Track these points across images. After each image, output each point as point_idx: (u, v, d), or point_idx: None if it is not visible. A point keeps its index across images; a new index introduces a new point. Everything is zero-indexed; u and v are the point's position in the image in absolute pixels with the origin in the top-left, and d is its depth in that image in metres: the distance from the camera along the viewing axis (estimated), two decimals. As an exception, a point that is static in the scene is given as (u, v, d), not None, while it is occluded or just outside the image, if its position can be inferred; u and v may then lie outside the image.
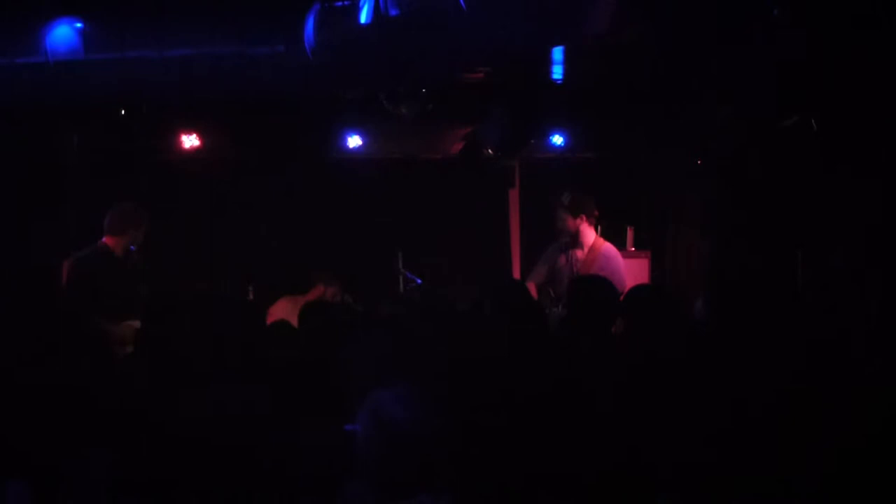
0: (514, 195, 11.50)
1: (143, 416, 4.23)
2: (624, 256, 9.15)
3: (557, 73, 9.13)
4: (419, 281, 10.09)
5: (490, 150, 10.61)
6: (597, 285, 6.68)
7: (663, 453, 3.71)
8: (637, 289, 6.59)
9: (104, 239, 8.36)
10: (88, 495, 4.03)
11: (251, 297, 10.02)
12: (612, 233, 9.65)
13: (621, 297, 6.44)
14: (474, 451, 3.90)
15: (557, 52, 8.56)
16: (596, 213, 8.84)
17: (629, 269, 9.13)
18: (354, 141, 10.64)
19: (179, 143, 10.31)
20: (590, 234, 8.78)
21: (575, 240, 8.73)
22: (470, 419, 4.15)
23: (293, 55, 7.63)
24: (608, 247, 8.81)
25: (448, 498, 3.49)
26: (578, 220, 8.71)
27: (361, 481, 3.74)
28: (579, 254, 8.72)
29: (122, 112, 9.45)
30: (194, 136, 10.26)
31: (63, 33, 7.73)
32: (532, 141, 10.68)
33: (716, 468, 3.92)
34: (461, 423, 4.05)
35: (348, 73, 8.14)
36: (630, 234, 10.51)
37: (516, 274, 11.11)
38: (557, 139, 10.72)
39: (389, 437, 3.65)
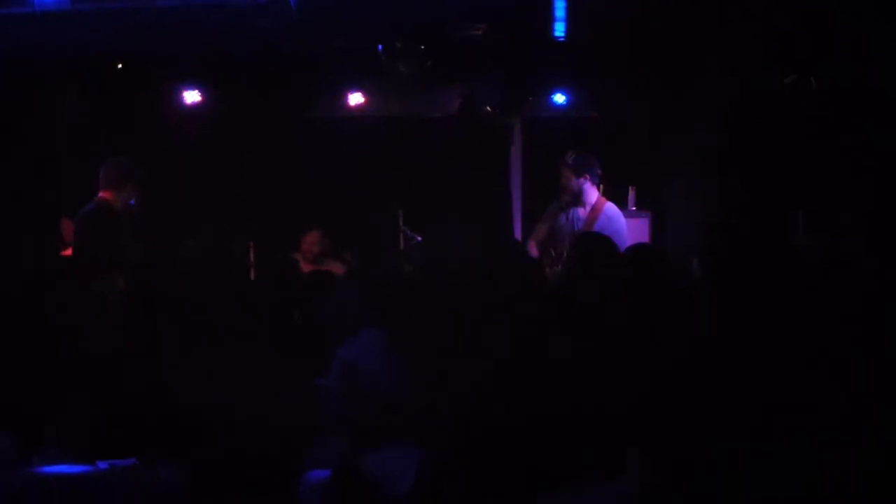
0: (515, 154, 11.44)
1: (124, 368, 4.19)
2: (625, 216, 9.10)
3: (559, 29, 9.10)
4: (419, 239, 10.08)
5: (489, 108, 10.56)
6: (597, 242, 6.64)
7: (649, 410, 3.69)
8: (635, 247, 6.55)
9: (101, 194, 8.32)
10: (70, 440, 4.04)
11: (252, 255, 10.04)
12: (613, 193, 9.49)
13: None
14: (447, 405, 3.91)
15: (559, 9, 8.52)
16: (599, 172, 8.79)
17: (630, 229, 9.06)
18: (355, 98, 10.59)
19: (179, 99, 10.26)
20: (592, 194, 8.72)
21: (577, 199, 8.67)
22: (446, 373, 4.19)
23: (277, 5, 7.59)
24: (610, 206, 8.76)
25: (420, 451, 3.44)
26: (581, 180, 8.63)
27: (335, 435, 3.69)
28: (581, 213, 8.67)
29: (119, 67, 9.39)
30: (196, 92, 10.23)
31: (49, -17, 7.68)
32: (531, 99, 10.60)
33: (706, 427, 3.88)
34: (433, 377, 4.11)
35: (331, 24, 8.10)
36: (632, 193, 10.41)
37: (518, 233, 11.07)
38: (559, 98, 10.65)
39: (357, 388, 3.65)
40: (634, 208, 10.36)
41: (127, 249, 7.96)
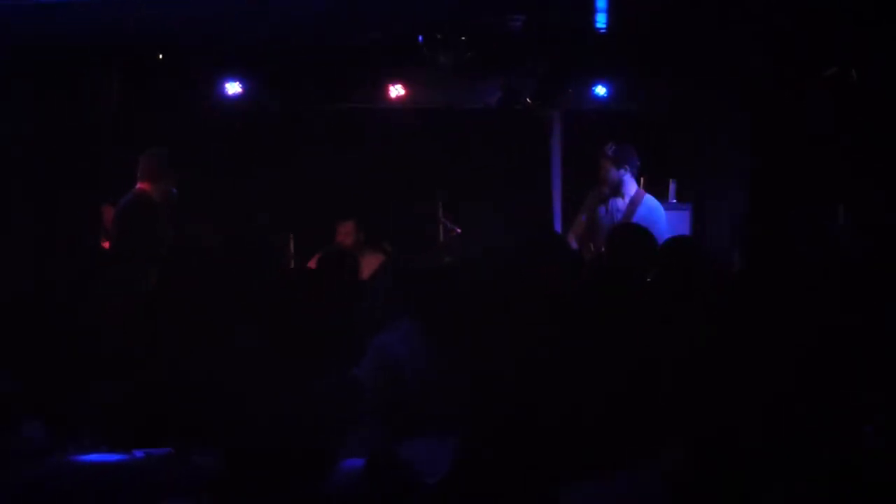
0: (555, 146, 11.38)
1: (158, 357, 4.22)
2: (666, 209, 9.07)
3: (600, 21, 9.07)
4: (458, 230, 10.10)
5: (529, 100, 10.53)
6: (635, 233, 6.62)
7: (681, 401, 3.69)
8: (674, 239, 6.53)
9: (139, 185, 8.34)
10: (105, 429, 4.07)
11: (291, 247, 10.07)
12: (654, 185, 9.56)
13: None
14: (482, 394, 3.91)
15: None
16: (639, 164, 8.79)
17: (670, 222, 9.02)
18: (396, 90, 10.57)
19: (220, 90, 10.24)
20: (632, 186, 8.72)
21: (617, 191, 8.67)
22: (481, 363, 4.26)
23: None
24: (649, 198, 8.76)
25: (454, 439, 3.50)
26: (621, 171, 8.63)
27: (371, 425, 3.69)
28: (620, 204, 8.67)
29: (160, 56, 9.43)
30: (236, 83, 10.20)
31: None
32: (571, 90, 10.59)
33: (742, 423, 3.85)
34: (467, 366, 4.14)
35: (371, 14, 8.13)
36: (672, 186, 10.37)
37: (557, 225, 11.01)
38: (600, 90, 10.60)
39: (393, 377, 3.64)
40: (675, 201, 10.31)
41: (163, 241, 8.01)
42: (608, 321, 4.79)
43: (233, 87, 10.22)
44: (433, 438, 3.74)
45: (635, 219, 8.47)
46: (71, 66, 9.11)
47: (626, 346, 4.27)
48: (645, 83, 10.51)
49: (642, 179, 9.20)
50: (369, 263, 8.70)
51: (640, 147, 8.98)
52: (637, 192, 8.73)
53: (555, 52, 9.79)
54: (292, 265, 9.78)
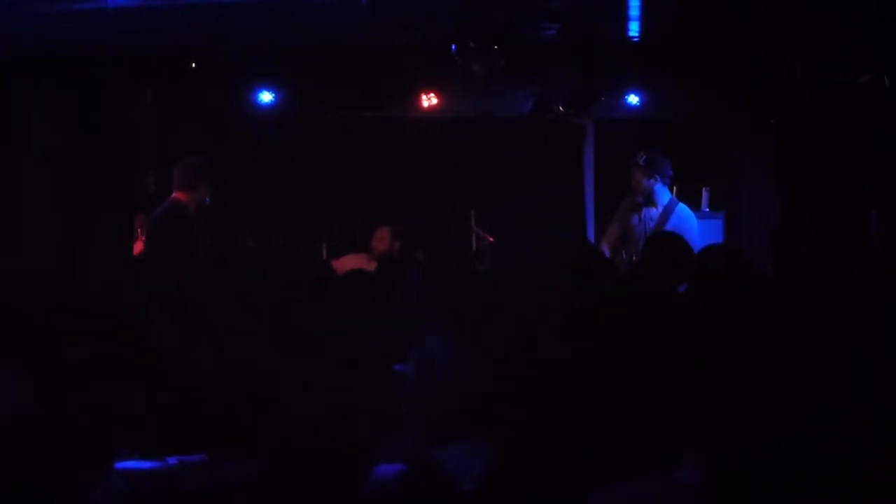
0: (588, 155, 11.42)
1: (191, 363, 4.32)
2: (699, 217, 9.08)
3: (634, 29, 8.98)
4: (491, 240, 10.10)
5: (562, 109, 10.51)
6: (671, 242, 6.58)
7: (714, 412, 3.69)
8: (709, 248, 6.48)
9: (175, 194, 8.36)
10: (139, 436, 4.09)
11: (324, 253, 10.09)
12: (687, 193, 9.54)
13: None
14: (516, 401, 3.93)
15: (634, 8, 8.41)
16: (671, 173, 8.75)
17: (704, 231, 9.01)
18: (429, 99, 10.56)
19: (253, 99, 10.27)
20: (664, 195, 8.69)
21: (649, 200, 8.63)
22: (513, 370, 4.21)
23: (348, 2, 7.56)
24: (682, 207, 8.72)
25: (488, 447, 3.49)
26: (652, 181, 8.60)
27: (405, 430, 3.69)
28: (653, 214, 8.63)
29: (193, 65, 9.40)
30: (269, 92, 10.22)
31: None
32: (604, 99, 10.57)
33: (776, 429, 3.72)
34: (503, 372, 4.12)
35: (403, 22, 8.08)
36: (705, 194, 10.35)
37: (590, 234, 11.05)
38: (633, 98, 10.59)
39: (433, 376, 3.77)
40: (708, 209, 10.28)
41: (195, 250, 8.01)
42: (642, 330, 4.73)
43: (265, 96, 10.24)
44: (467, 444, 3.73)
45: (667, 228, 8.44)
46: (102, 75, 9.06)
47: (661, 355, 4.15)
48: (677, 91, 10.47)
49: (674, 188, 9.17)
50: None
51: (673, 155, 8.95)
52: (670, 202, 8.70)
53: (588, 60, 9.73)
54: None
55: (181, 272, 7.35)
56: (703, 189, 10.35)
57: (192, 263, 7.65)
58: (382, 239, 10.13)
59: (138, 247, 9.10)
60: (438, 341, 4.84)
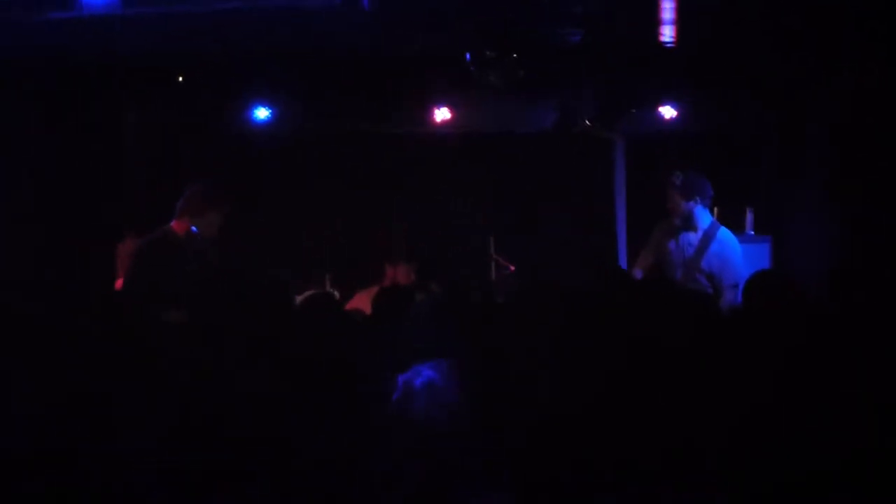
0: (619, 174, 11.34)
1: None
2: (743, 241, 9.06)
3: (668, 33, 8.95)
4: (512, 268, 9.97)
5: (589, 123, 10.50)
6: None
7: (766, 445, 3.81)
8: (757, 276, 6.34)
9: (173, 222, 8.16)
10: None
11: (328, 287, 9.95)
12: (729, 215, 9.51)
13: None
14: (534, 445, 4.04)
15: (667, 10, 8.37)
16: (711, 193, 8.67)
17: (748, 256, 8.99)
18: (441, 113, 10.51)
19: (247, 115, 10.20)
20: (704, 217, 8.62)
21: (687, 223, 8.57)
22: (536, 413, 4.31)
23: (349, 6, 7.49)
24: (724, 231, 8.66)
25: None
26: (692, 203, 8.54)
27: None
28: (692, 238, 8.58)
29: (180, 79, 9.40)
30: (264, 108, 10.18)
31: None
32: (635, 112, 10.51)
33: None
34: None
35: (410, 29, 8.10)
36: (750, 216, 10.25)
37: (622, 260, 10.95)
38: (668, 110, 10.53)
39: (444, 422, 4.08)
40: (752, 232, 10.19)
41: (187, 282, 7.87)
42: (686, 365, 4.73)
43: (262, 112, 10.19)
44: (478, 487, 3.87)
45: (708, 255, 8.46)
46: (80, 90, 9.12)
47: (709, 393, 4.26)
48: (717, 102, 10.43)
49: (715, 210, 9.11)
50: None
51: (712, 173, 8.88)
52: (711, 225, 8.64)
53: (617, 68, 9.71)
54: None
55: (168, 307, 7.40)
56: (748, 210, 10.24)
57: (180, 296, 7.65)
58: (402, 273, 9.99)
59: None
60: (451, 381, 4.80)
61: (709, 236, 8.57)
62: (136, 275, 8.09)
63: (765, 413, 4.30)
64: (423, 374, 4.78)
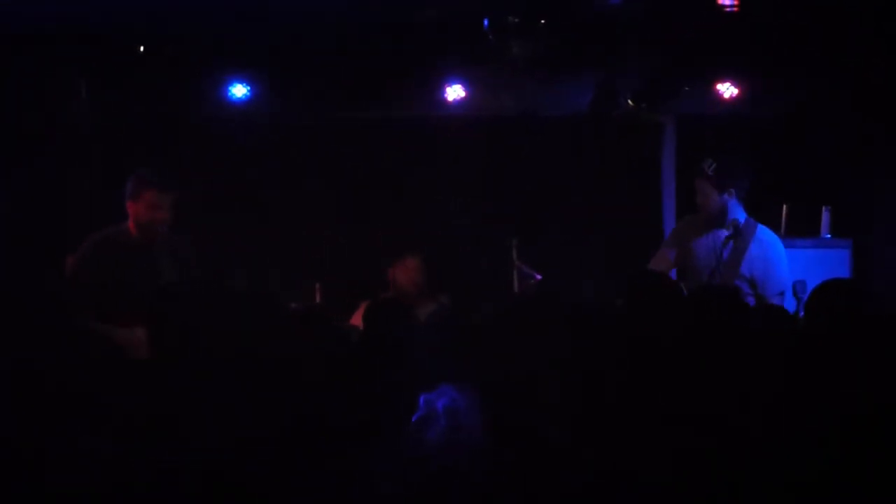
0: (667, 162, 11.34)
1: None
2: (818, 246, 9.30)
3: None
4: (538, 276, 9.76)
5: (631, 103, 10.41)
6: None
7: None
8: (828, 286, 6.16)
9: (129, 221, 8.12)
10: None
11: (318, 297, 9.88)
12: (801, 216, 9.61)
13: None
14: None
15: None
16: (748, 186, 8.63)
17: (823, 262, 9.15)
18: (454, 92, 10.43)
19: (222, 93, 10.14)
20: (739, 214, 8.57)
21: (720, 220, 8.51)
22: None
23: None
24: (763, 230, 8.63)
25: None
26: (726, 196, 8.50)
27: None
28: (724, 238, 8.52)
29: (141, 49, 9.36)
30: (243, 85, 10.11)
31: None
32: (687, 90, 10.44)
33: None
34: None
35: None
36: (825, 216, 10.17)
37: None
38: (727, 88, 10.48)
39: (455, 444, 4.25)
40: (829, 235, 10.14)
41: (143, 290, 7.73)
42: (738, 395, 4.78)
43: (239, 90, 10.12)
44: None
45: (749, 257, 8.47)
46: (26, 61, 9.06)
47: (761, 424, 4.36)
48: (787, 79, 10.34)
49: (784, 209, 9.24)
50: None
51: (781, 165, 9.02)
52: (747, 223, 8.56)
53: (666, 38, 9.64)
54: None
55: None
56: (823, 209, 10.19)
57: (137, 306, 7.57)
58: (409, 270, 9.96)
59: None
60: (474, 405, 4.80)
61: (746, 236, 8.53)
62: (74, 280, 8.03)
63: (829, 449, 4.37)
64: (446, 394, 4.80)
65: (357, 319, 8.90)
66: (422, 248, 10.14)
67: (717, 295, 6.33)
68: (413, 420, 4.76)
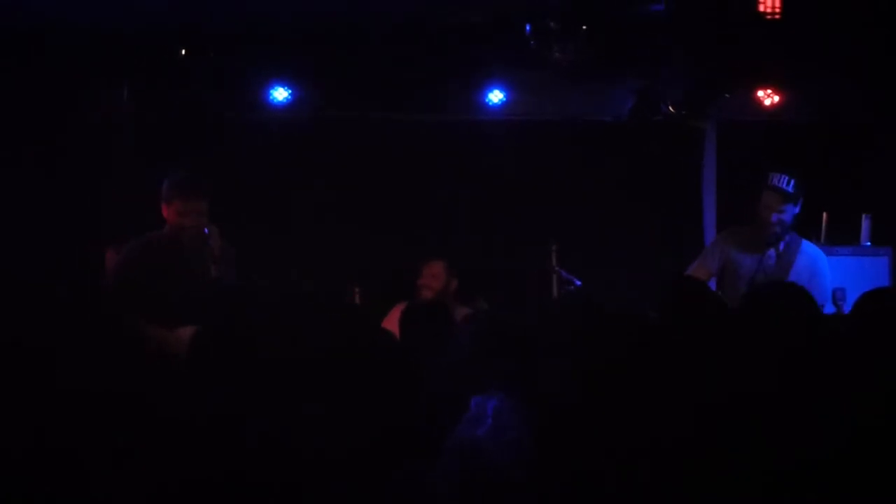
0: (708, 170, 11.33)
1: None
2: (857, 254, 9.26)
3: (769, 3, 8.97)
4: (578, 283, 9.78)
5: (672, 109, 10.45)
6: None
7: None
8: (873, 295, 6.17)
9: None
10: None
11: (356, 299, 9.91)
12: (840, 224, 9.58)
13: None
14: None
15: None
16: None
17: (863, 270, 9.13)
18: (495, 96, 10.49)
19: (264, 97, 10.23)
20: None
21: (780, 234, 8.59)
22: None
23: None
24: (808, 245, 8.78)
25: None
26: (796, 209, 8.56)
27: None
28: (771, 252, 8.63)
29: (183, 53, 9.43)
30: (283, 88, 10.19)
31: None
32: (729, 96, 10.49)
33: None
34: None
35: None
36: (866, 223, 10.03)
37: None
38: (768, 95, 10.49)
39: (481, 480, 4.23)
40: (869, 243, 10.03)
41: (193, 293, 7.82)
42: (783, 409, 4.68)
43: (280, 93, 10.18)
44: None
45: (796, 270, 8.53)
46: (66, 66, 9.10)
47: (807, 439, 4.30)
48: (828, 86, 10.38)
49: (824, 216, 9.23)
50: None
51: (821, 172, 9.13)
52: (792, 236, 8.67)
53: (707, 44, 9.63)
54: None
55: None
56: (864, 217, 10.05)
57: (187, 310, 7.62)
58: (435, 276, 9.87)
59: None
60: (495, 422, 4.74)
61: (792, 248, 8.65)
62: (117, 279, 8.12)
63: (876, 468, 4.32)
64: (495, 397, 4.80)
65: (389, 322, 8.94)
66: (445, 253, 10.09)
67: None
68: (464, 419, 4.76)
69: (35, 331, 5.89)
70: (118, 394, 4.84)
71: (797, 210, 8.58)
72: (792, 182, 8.55)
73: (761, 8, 9.00)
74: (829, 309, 7.97)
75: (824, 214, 9.37)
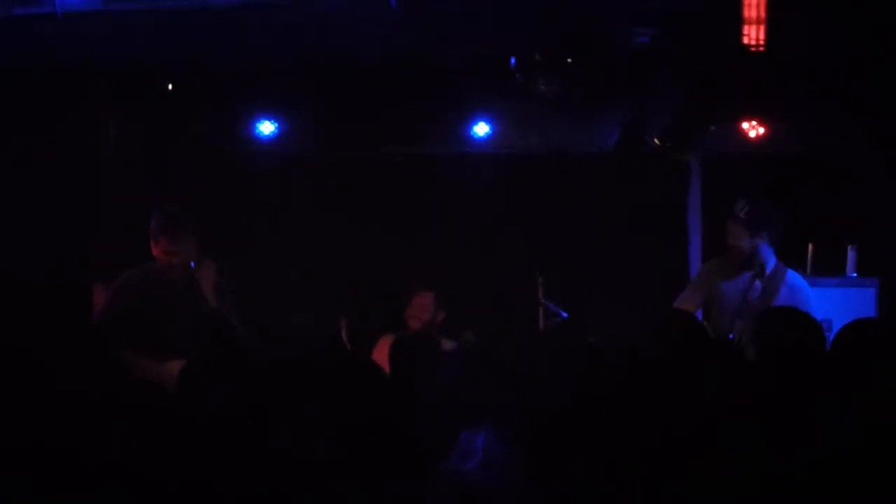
0: (693, 202, 11.33)
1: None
2: (843, 285, 9.27)
3: (753, 35, 8.92)
4: (564, 315, 9.80)
5: (657, 141, 10.41)
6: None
7: None
8: (856, 326, 6.20)
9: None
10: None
11: (343, 332, 9.91)
12: (826, 255, 9.58)
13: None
14: None
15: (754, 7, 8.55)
16: (781, 228, 8.67)
17: (849, 301, 9.11)
18: (481, 129, 10.53)
19: (249, 131, 10.28)
20: (770, 257, 8.64)
21: (751, 264, 8.55)
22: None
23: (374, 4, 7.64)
24: (792, 274, 8.71)
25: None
26: (758, 239, 8.55)
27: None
28: (755, 282, 8.57)
29: (169, 87, 9.49)
30: (269, 122, 10.24)
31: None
32: (714, 128, 10.51)
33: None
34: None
35: (445, 28, 8.22)
36: (851, 254, 10.11)
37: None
38: (753, 127, 10.53)
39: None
40: (855, 275, 10.07)
41: (180, 330, 7.89)
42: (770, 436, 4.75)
43: (267, 127, 10.23)
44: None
45: (778, 301, 8.44)
46: (50, 99, 9.16)
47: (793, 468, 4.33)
48: (813, 118, 10.41)
49: (810, 248, 9.25)
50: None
51: (807, 203, 9.12)
52: (777, 266, 8.63)
53: (693, 76, 9.67)
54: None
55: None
56: (849, 248, 10.12)
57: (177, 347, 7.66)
58: (424, 307, 9.96)
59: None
60: (485, 458, 4.87)
61: (776, 280, 8.60)
62: (105, 313, 8.15)
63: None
64: (484, 432, 4.91)
65: (378, 355, 9.00)
66: (434, 285, 10.12)
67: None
68: (453, 454, 4.84)
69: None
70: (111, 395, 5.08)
71: (761, 241, 8.55)
72: (745, 209, 8.56)
73: (746, 40, 8.95)
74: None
75: (810, 245, 9.41)
